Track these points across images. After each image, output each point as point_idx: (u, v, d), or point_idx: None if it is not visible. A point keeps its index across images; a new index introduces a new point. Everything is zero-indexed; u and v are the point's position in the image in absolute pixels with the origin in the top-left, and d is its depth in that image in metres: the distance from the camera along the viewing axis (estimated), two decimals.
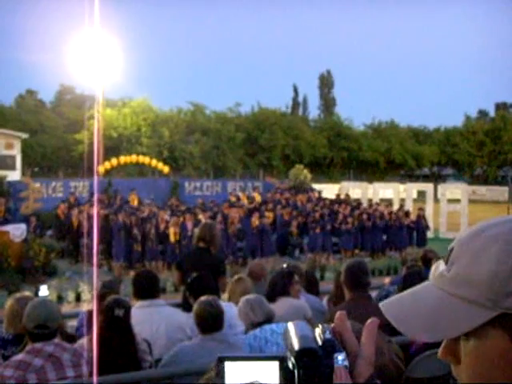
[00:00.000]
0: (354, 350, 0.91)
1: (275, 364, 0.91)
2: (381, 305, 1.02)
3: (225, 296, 6.03)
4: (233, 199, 22.07)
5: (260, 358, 0.93)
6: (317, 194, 24.33)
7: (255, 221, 18.33)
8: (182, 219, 17.43)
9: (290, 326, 0.94)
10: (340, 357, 0.88)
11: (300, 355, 0.88)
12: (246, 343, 4.44)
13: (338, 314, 0.95)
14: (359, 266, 5.01)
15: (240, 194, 23.34)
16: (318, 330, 0.92)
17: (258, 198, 22.78)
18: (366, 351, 0.91)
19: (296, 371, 0.88)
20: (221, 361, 0.92)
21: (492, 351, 0.92)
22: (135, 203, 20.61)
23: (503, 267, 0.90)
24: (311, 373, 0.87)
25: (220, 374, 0.91)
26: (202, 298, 4.43)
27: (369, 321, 0.95)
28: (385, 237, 20.44)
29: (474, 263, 0.93)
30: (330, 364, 0.87)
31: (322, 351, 0.88)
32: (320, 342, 0.89)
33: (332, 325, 0.94)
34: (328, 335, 0.90)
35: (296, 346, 0.89)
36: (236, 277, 6.11)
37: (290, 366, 0.89)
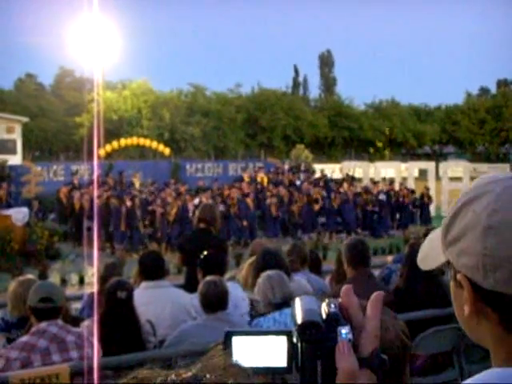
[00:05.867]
0: (360, 324, 0.91)
1: (283, 339, 0.90)
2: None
3: (227, 276, 6.01)
4: (246, 179, 22.13)
5: (267, 332, 0.92)
6: (316, 174, 24.28)
7: (257, 201, 18.33)
8: (183, 201, 17.44)
9: (297, 300, 0.93)
10: (344, 330, 0.87)
11: (302, 328, 0.87)
12: (264, 326, 4.43)
13: (344, 288, 0.95)
14: (359, 244, 5.09)
15: (244, 175, 23.28)
16: (324, 304, 0.91)
17: (263, 178, 22.69)
18: (370, 325, 0.91)
19: (299, 344, 0.88)
20: (228, 336, 0.91)
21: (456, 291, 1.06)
22: (137, 185, 20.63)
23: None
24: (314, 346, 0.87)
25: (227, 349, 0.90)
26: (208, 278, 4.43)
27: (374, 294, 0.94)
28: (388, 215, 20.45)
29: (450, 211, 1.06)
30: (334, 337, 0.87)
31: (326, 325, 0.88)
32: (324, 316, 0.89)
33: (339, 299, 0.93)
34: (333, 309, 0.90)
35: (299, 320, 0.89)
36: (250, 260, 6.06)
37: (295, 339, 0.89)
